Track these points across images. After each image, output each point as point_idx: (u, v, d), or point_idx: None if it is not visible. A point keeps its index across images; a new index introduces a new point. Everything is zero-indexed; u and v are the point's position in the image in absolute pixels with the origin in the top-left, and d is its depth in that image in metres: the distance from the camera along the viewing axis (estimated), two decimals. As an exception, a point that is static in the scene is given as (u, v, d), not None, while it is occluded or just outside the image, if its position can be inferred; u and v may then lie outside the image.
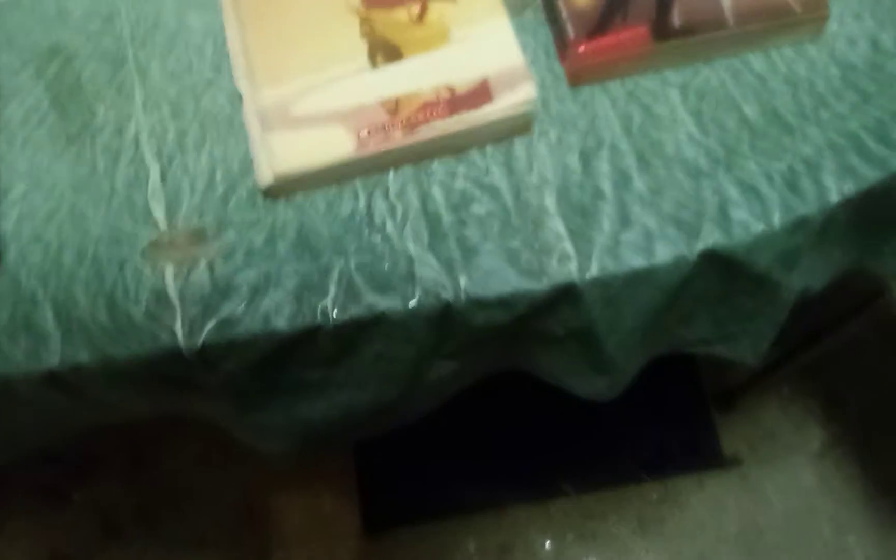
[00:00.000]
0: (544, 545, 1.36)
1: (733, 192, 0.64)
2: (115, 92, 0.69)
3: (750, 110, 0.67)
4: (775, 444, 1.42)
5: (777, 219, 0.64)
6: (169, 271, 0.63)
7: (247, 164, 0.66)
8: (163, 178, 0.66)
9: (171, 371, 0.63)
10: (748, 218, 0.64)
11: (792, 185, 0.65)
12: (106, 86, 0.70)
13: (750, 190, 0.65)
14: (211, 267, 0.63)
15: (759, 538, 1.37)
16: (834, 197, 0.64)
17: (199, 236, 0.64)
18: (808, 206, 0.64)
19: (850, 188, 0.65)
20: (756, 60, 0.69)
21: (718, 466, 1.41)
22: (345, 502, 1.38)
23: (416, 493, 1.39)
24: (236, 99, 0.68)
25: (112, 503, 1.39)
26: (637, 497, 1.40)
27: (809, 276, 0.71)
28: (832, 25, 0.70)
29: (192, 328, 0.61)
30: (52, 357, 0.61)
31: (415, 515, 1.38)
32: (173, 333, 0.61)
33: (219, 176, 0.66)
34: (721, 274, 0.65)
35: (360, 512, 1.37)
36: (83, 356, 0.61)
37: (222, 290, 0.62)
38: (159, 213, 0.65)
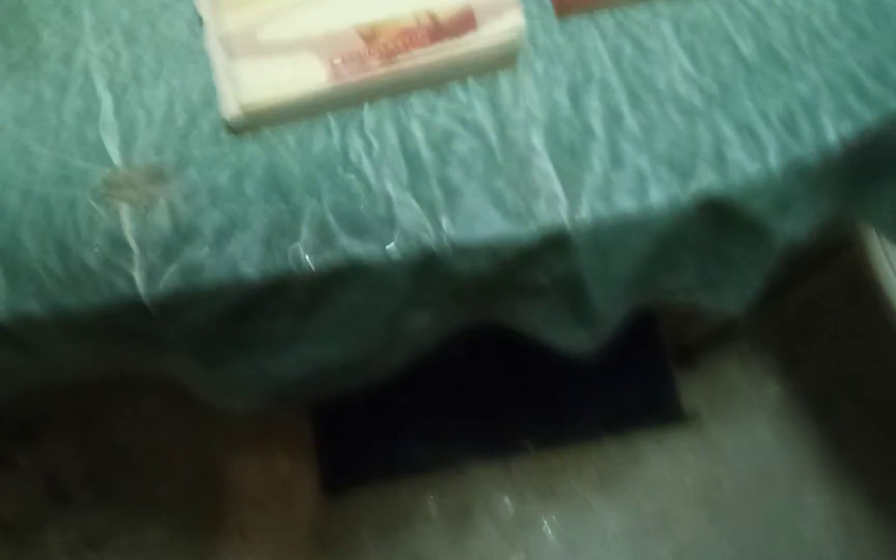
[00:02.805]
0: (504, 503, 1.35)
1: (729, 132, 0.61)
2: (61, 14, 0.63)
3: (745, 46, 0.64)
4: (734, 401, 1.43)
5: (774, 161, 0.61)
6: (125, 212, 0.58)
7: (209, 96, 0.61)
8: (116, 110, 0.60)
9: (130, 322, 0.58)
10: (744, 159, 0.61)
11: (789, 126, 0.62)
12: (51, 7, 0.63)
13: (746, 130, 0.62)
14: (171, 207, 0.58)
15: (717, 493, 1.37)
16: (831, 138, 0.62)
17: (157, 174, 0.59)
18: (804, 148, 0.62)
19: (847, 129, 0.62)
20: (752, -8, 0.66)
21: (678, 422, 1.41)
22: (302, 463, 1.35)
23: (375, 452, 1.36)
24: (196, 24, 0.62)
25: (60, 466, 1.33)
26: (597, 453, 1.39)
27: (798, 224, 0.68)
28: (831, -43, 0.67)
29: (151, 274, 0.57)
30: (-2, 307, 0.56)
31: (374, 476, 1.36)
32: (131, 280, 0.56)
33: (178, 108, 0.61)
34: (714, 218, 0.62)
35: (318, 472, 1.34)
36: (32, 306, 0.56)
37: (184, 233, 0.58)
38: (113, 148, 0.59)
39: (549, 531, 1.34)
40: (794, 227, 0.67)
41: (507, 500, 1.35)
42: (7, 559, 1.29)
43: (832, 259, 1.08)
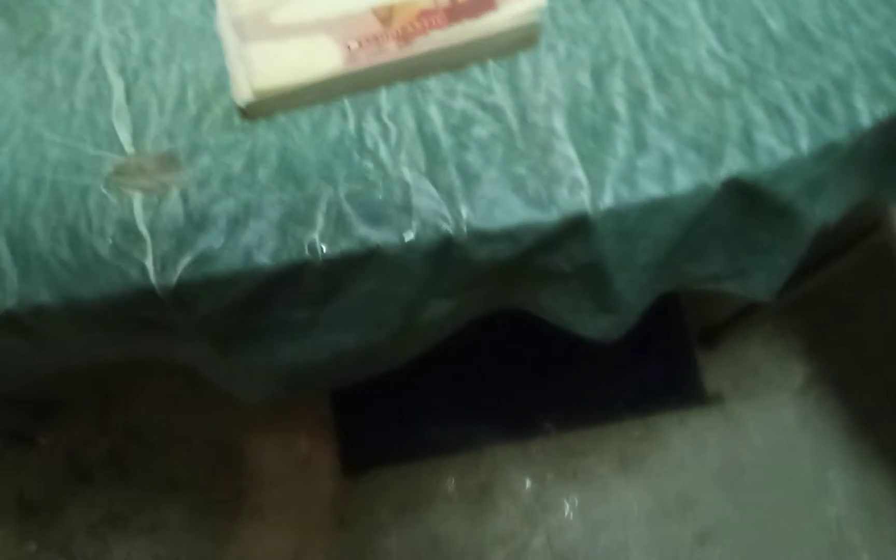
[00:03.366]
0: (524, 484, 1.34)
1: (758, 114, 0.59)
2: (71, -2, 0.62)
3: (775, 24, 0.62)
4: (757, 381, 1.40)
5: (805, 144, 0.59)
6: (137, 201, 0.57)
7: (222, 81, 0.59)
8: (128, 95, 0.59)
9: (143, 312, 0.57)
10: (774, 142, 0.58)
11: (820, 107, 0.60)
12: (61, -10, 0.62)
13: (776, 112, 0.59)
14: (184, 196, 0.57)
15: (740, 475, 1.35)
16: (865, 120, 0.59)
17: (170, 161, 0.58)
18: (837, 131, 0.59)
19: (882, 111, 0.60)
20: (782, -31, 0.63)
21: (700, 403, 1.39)
22: (322, 443, 1.34)
23: (394, 432, 1.35)
24: (208, 6, 0.61)
25: (81, 446, 1.33)
26: (618, 435, 1.37)
27: (829, 208, 0.66)
28: (865, -68, 0.65)
29: (164, 264, 0.56)
30: (9, 297, 0.56)
31: (393, 455, 1.35)
32: (144, 270, 0.55)
33: (190, 93, 0.59)
34: (742, 203, 0.60)
35: (338, 452, 1.33)
36: (44, 296, 0.56)
37: (197, 222, 0.56)
38: (125, 135, 0.58)
39: (570, 512, 1.32)
40: (825, 210, 0.65)
41: (527, 480, 1.34)
42: (29, 537, 1.30)
43: (859, 240, 1.06)
